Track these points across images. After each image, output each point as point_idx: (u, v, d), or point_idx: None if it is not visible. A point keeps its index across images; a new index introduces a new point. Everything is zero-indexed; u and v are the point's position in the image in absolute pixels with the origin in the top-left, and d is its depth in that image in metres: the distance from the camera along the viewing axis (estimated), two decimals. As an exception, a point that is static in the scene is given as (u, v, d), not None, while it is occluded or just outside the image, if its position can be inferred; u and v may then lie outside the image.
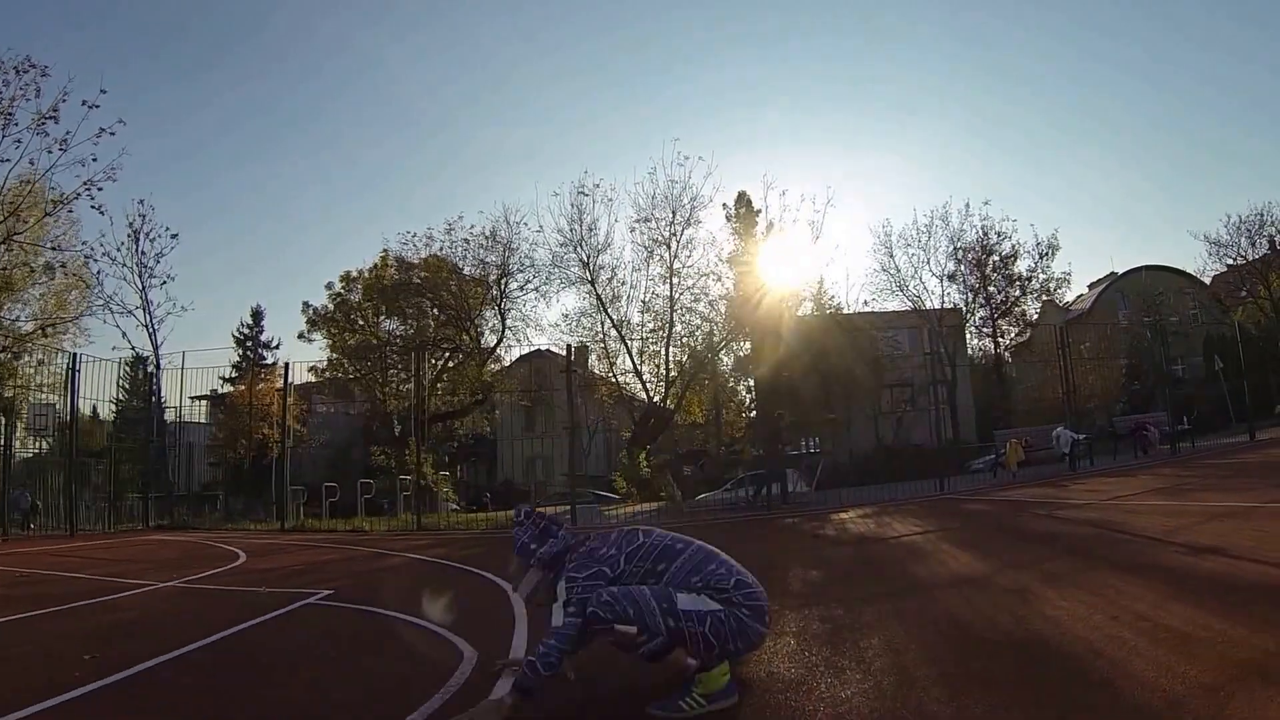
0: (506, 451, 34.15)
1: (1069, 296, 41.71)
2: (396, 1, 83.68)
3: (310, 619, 5.26)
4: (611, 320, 21.66)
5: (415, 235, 27.18)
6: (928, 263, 29.56)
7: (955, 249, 28.72)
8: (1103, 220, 77.13)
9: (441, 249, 26.20)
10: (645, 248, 21.17)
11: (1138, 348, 32.12)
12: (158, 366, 20.91)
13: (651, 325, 22.15)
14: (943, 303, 29.75)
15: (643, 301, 21.86)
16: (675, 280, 21.38)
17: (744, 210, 36.55)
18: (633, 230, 21.15)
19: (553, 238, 22.38)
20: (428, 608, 5.00)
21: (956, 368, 30.46)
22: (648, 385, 21.48)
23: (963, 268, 28.96)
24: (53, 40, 63.89)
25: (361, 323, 29.75)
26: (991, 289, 28.90)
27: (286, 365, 16.05)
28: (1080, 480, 13.61)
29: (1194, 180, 74.43)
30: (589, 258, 21.30)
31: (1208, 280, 35.83)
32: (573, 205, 21.19)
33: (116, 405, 22.96)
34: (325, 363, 29.98)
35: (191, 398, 26.19)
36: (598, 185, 21.16)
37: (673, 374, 21.65)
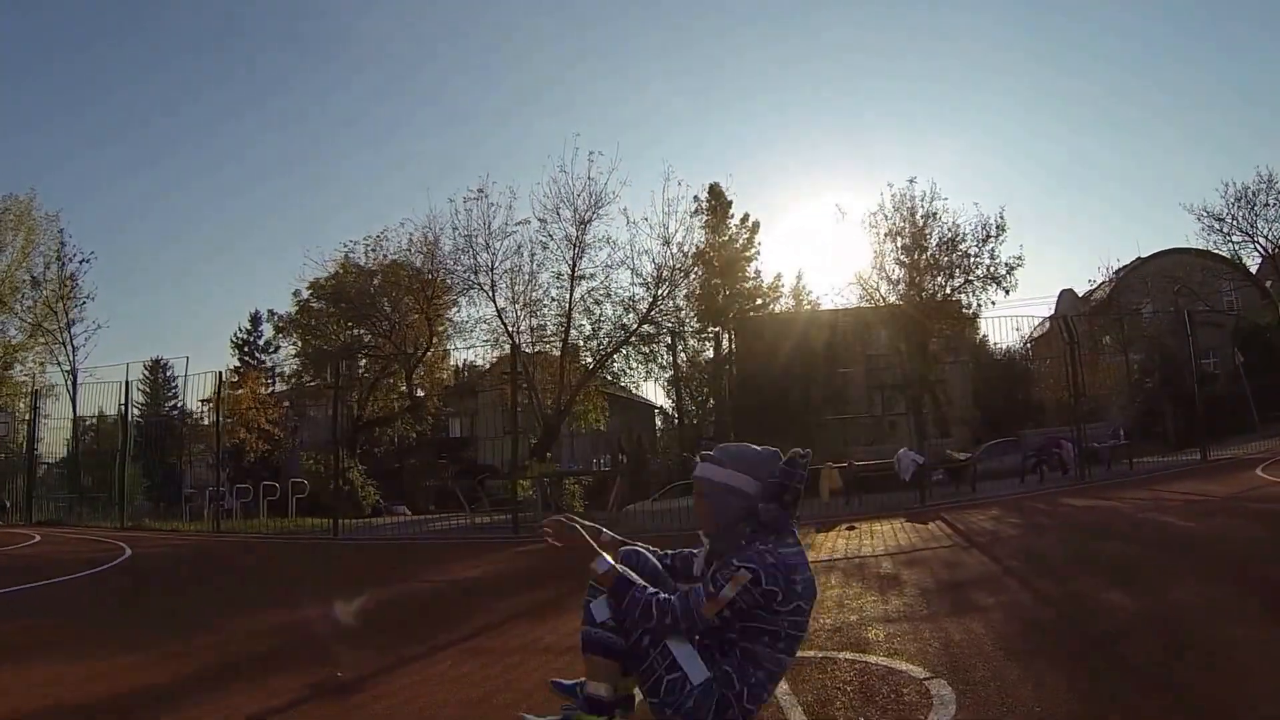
0: (485, 452, 34.61)
1: (1085, 285, 37.67)
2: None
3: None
4: (505, 326, 21.36)
5: (355, 243, 27.31)
6: (895, 250, 27.07)
7: (889, 234, 25.96)
8: (1129, 202, 69.65)
9: (387, 256, 26.54)
10: (544, 245, 20.54)
11: (1153, 339, 28.56)
12: (75, 382, 22.52)
13: (551, 329, 21.72)
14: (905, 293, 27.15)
15: (541, 303, 21.44)
16: (578, 282, 20.77)
17: (715, 203, 35.49)
18: (511, 234, 20.41)
19: (447, 241, 22.10)
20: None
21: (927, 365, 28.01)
22: (540, 393, 21.00)
23: (927, 256, 26.35)
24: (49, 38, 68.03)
25: (333, 328, 30.83)
26: (924, 280, 25.79)
27: (126, 375, 16.71)
28: (861, 522, 9.83)
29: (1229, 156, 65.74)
30: (493, 262, 20.96)
31: (1255, 265, 31.19)
32: (463, 210, 20.68)
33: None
34: (297, 366, 31.53)
35: (202, 401, 28.22)
36: (480, 191, 20.30)
37: (571, 379, 21.17)
